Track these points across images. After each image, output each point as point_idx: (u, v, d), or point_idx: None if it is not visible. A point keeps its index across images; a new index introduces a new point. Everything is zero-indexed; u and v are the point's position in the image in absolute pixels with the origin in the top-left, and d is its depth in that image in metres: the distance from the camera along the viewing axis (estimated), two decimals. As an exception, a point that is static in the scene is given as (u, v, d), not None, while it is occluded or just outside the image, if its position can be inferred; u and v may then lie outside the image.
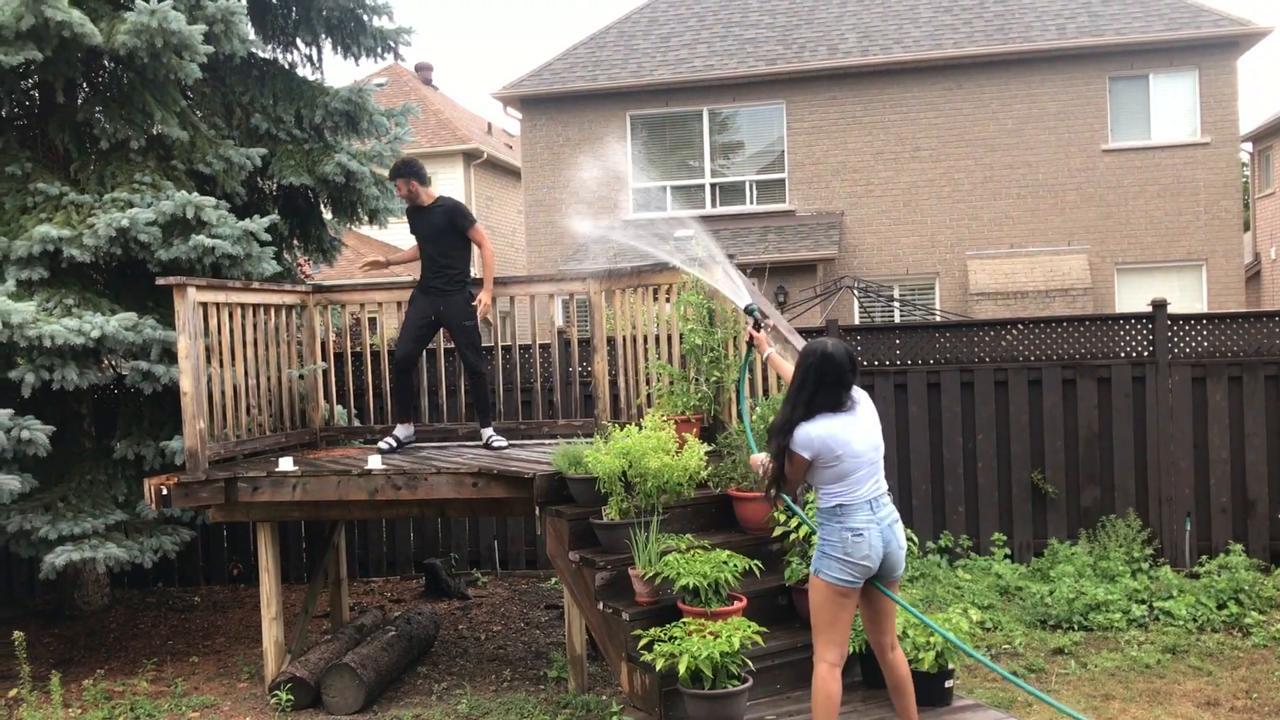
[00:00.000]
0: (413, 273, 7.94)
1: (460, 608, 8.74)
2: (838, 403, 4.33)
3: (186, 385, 6.45)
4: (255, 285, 7.22)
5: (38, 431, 6.68)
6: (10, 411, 6.64)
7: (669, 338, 7.06)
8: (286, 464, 6.60)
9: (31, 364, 6.78)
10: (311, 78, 9.03)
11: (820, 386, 4.31)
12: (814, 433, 4.28)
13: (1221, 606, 7.37)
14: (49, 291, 7.10)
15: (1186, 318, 8.71)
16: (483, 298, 7.36)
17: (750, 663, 4.77)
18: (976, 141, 18.03)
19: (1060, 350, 8.75)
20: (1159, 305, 8.65)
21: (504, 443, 7.34)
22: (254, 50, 8.43)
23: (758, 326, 5.37)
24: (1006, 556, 8.51)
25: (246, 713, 6.42)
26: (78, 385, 6.93)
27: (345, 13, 8.88)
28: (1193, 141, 17.54)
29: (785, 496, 4.67)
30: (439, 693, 6.62)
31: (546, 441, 7.54)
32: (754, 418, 5.59)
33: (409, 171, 7.34)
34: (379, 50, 9.12)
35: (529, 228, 19.62)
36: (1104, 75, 17.71)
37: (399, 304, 7.73)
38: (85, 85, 8.17)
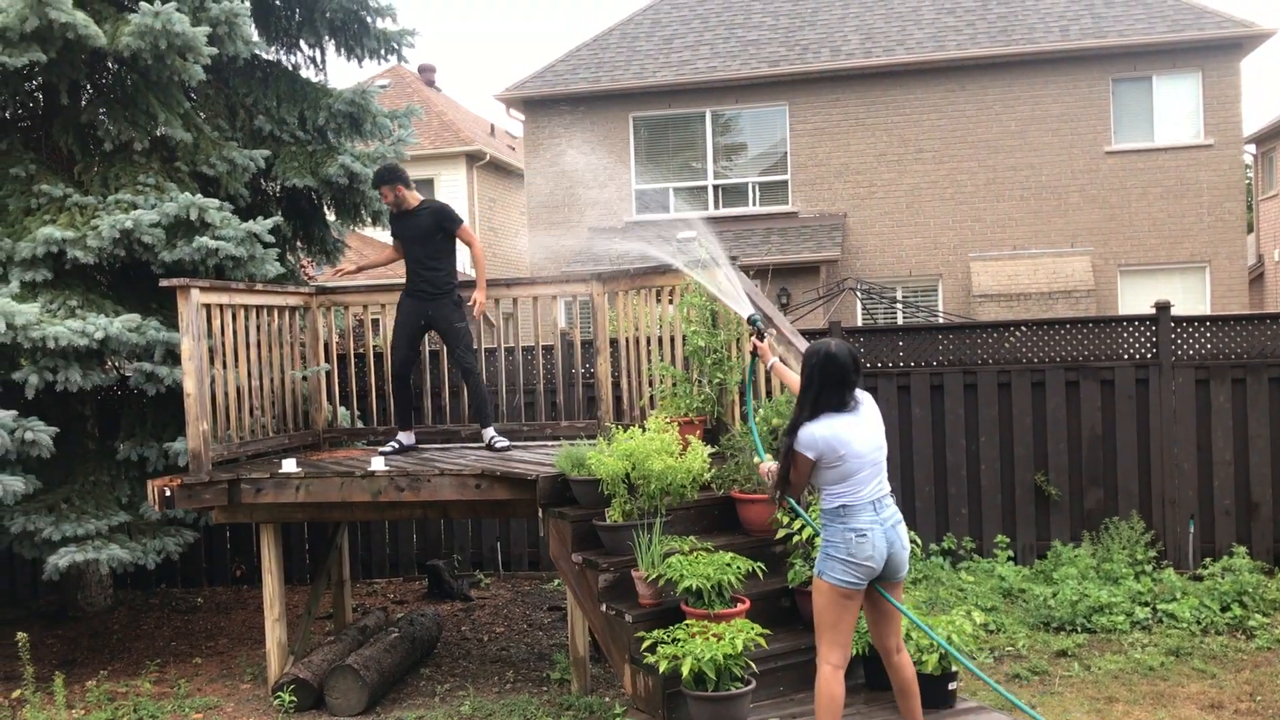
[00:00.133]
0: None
1: (463, 609, 8.74)
2: (841, 403, 4.35)
3: (190, 386, 6.45)
4: (258, 287, 7.22)
5: (41, 433, 6.69)
6: (14, 413, 6.65)
7: (672, 339, 7.06)
8: (290, 465, 6.60)
9: (35, 365, 6.79)
10: (315, 79, 9.04)
11: (824, 387, 4.34)
12: (818, 433, 4.30)
13: (1225, 609, 7.36)
14: (53, 293, 7.11)
15: (1190, 320, 8.70)
16: (477, 297, 7.36)
17: (753, 665, 4.77)
18: (979, 143, 18.02)
19: (1063, 352, 8.75)
20: (1162, 307, 8.64)
21: (505, 443, 7.33)
22: (258, 52, 8.45)
23: (760, 336, 5.38)
24: (1009, 558, 8.50)
25: (249, 714, 6.42)
26: (81, 387, 6.93)
27: (348, 15, 8.89)
28: (1196, 143, 17.53)
29: (790, 500, 4.68)
30: (442, 694, 6.62)
31: (549, 443, 7.54)
32: (757, 419, 5.60)
33: (394, 177, 7.32)
34: (382, 52, 9.13)
35: (532, 229, 19.62)
36: (1107, 77, 17.70)
37: (402, 305, 7.73)
38: (89, 87, 8.18)
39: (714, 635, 4.67)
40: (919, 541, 5.37)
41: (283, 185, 8.39)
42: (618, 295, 7.49)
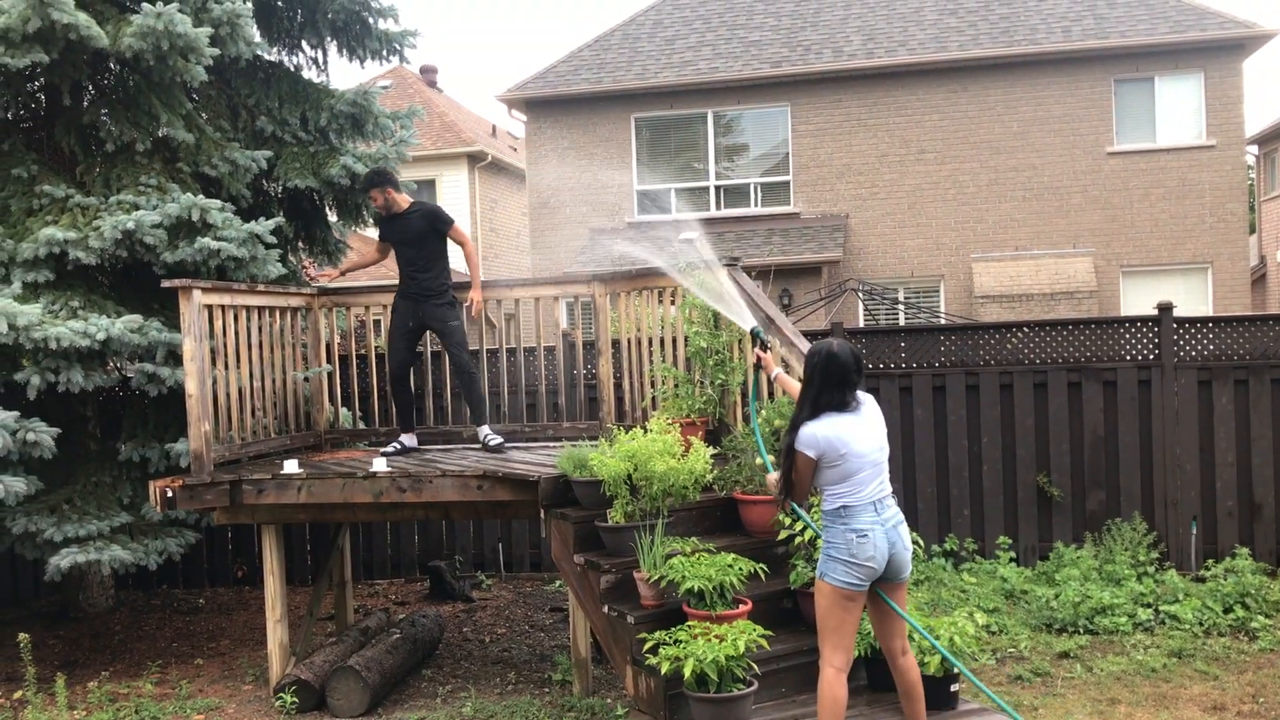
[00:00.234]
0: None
1: (465, 610, 8.73)
2: (842, 403, 4.37)
3: (192, 387, 6.45)
4: (260, 288, 7.22)
5: (43, 434, 6.69)
6: (16, 414, 6.65)
7: (674, 340, 7.06)
8: (291, 466, 6.60)
9: (37, 366, 6.79)
10: (317, 80, 9.04)
11: (825, 386, 4.36)
12: (818, 431, 4.31)
13: (1228, 610, 7.35)
14: (55, 294, 7.11)
15: (1192, 321, 8.69)
16: (473, 296, 7.35)
17: (755, 666, 4.77)
18: (981, 144, 18.01)
19: (1065, 353, 8.74)
20: (1165, 308, 8.64)
21: (500, 440, 7.33)
22: (260, 53, 8.44)
23: (764, 348, 5.39)
24: (1012, 560, 8.49)
25: (251, 715, 6.42)
26: (83, 387, 6.94)
27: (351, 15, 8.89)
28: (1198, 144, 17.52)
29: (795, 505, 4.69)
30: (444, 695, 6.61)
31: (551, 444, 7.54)
32: (759, 419, 5.59)
33: (385, 180, 7.32)
34: (384, 53, 9.13)
35: (533, 230, 19.63)
36: (1109, 78, 17.69)
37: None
38: (91, 88, 8.18)
39: (716, 636, 4.66)
40: (921, 543, 5.36)
41: (284, 186, 8.39)
42: (619, 296, 7.49)
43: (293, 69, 9.12)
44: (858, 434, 4.34)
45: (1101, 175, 17.71)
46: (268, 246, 7.48)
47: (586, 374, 8.67)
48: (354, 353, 8.25)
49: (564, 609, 8.21)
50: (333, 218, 9.22)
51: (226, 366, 6.83)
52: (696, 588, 4.85)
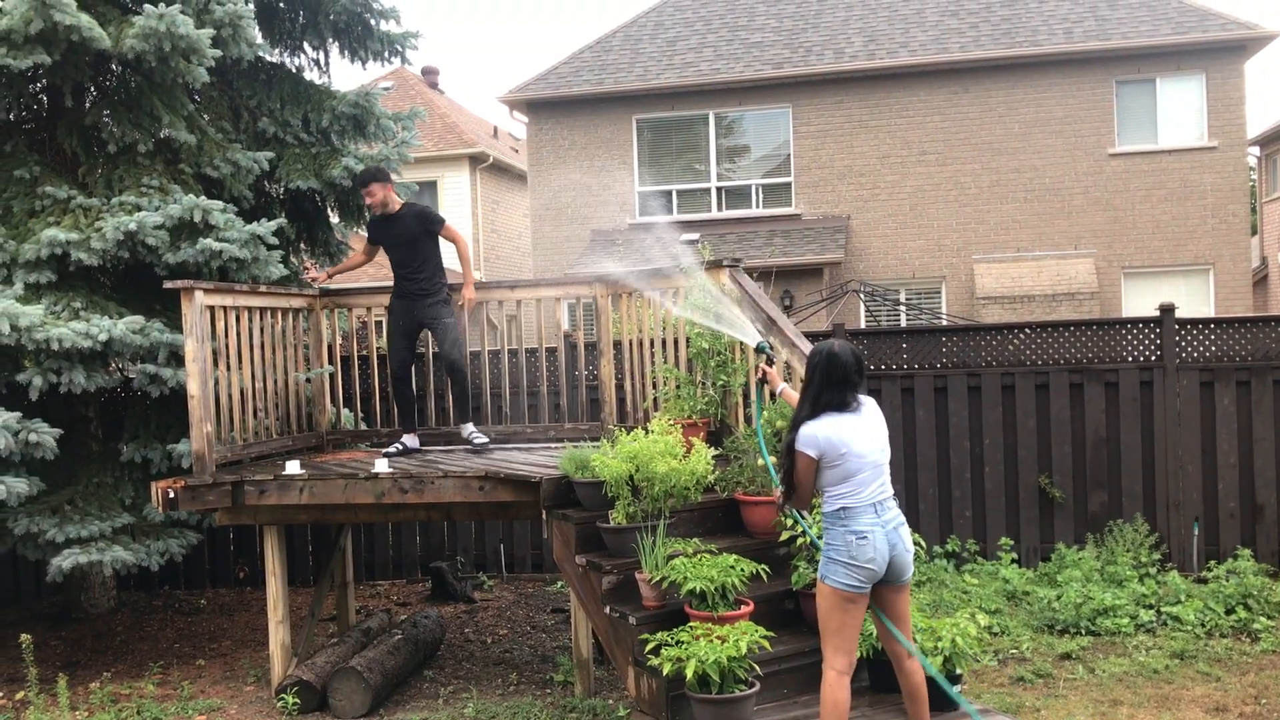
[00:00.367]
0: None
1: (466, 611, 8.73)
2: (843, 403, 4.38)
3: (194, 388, 6.46)
4: (262, 289, 7.23)
5: (45, 434, 6.69)
6: (18, 414, 6.65)
7: (675, 341, 7.06)
8: (293, 467, 6.61)
9: (39, 367, 6.79)
10: (318, 81, 9.05)
11: (825, 385, 4.37)
12: (819, 431, 4.32)
13: (1230, 612, 7.34)
14: (57, 295, 7.12)
15: (1194, 322, 8.68)
16: (466, 294, 7.39)
17: (757, 667, 4.77)
18: (983, 145, 18.01)
19: (1067, 354, 8.74)
20: (1166, 310, 8.63)
21: (485, 439, 7.35)
22: (261, 54, 8.45)
23: (770, 363, 5.40)
24: (1013, 561, 8.49)
25: (253, 716, 6.42)
26: (85, 388, 6.94)
27: (352, 17, 8.89)
28: (1200, 145, 17.51)
29: (795, 511, 4.68)
30: (445, 696, 6.61)
31: (552, 445, 7.54)
32: (761, 420, 5.59)
33: (383, 176, 7.34)
34: (386, 54, 9.14)
35: (535, 231, 19.63)
36: (1111, 79, 17.69)
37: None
38: (93, 89, 8.19)
39: (718, 637, 4.66)
40: (923, 544, 5.36)
41: (286, 187, 8.40)
42: (621, 297, 7.49)
43: (294, 70, 9.13)
44: (858, 434, 4.35)
45: (1103, 176, 17.70)
46: (269, 248, 7.49)
47: (588, 375, 8.67)
48: (355, 354, 8.25)
49: (565, 610, 8.21)
50: (334, 219, 9.22)
51: (228, 367, 6.83)
52: (698, 589, 4.85)
